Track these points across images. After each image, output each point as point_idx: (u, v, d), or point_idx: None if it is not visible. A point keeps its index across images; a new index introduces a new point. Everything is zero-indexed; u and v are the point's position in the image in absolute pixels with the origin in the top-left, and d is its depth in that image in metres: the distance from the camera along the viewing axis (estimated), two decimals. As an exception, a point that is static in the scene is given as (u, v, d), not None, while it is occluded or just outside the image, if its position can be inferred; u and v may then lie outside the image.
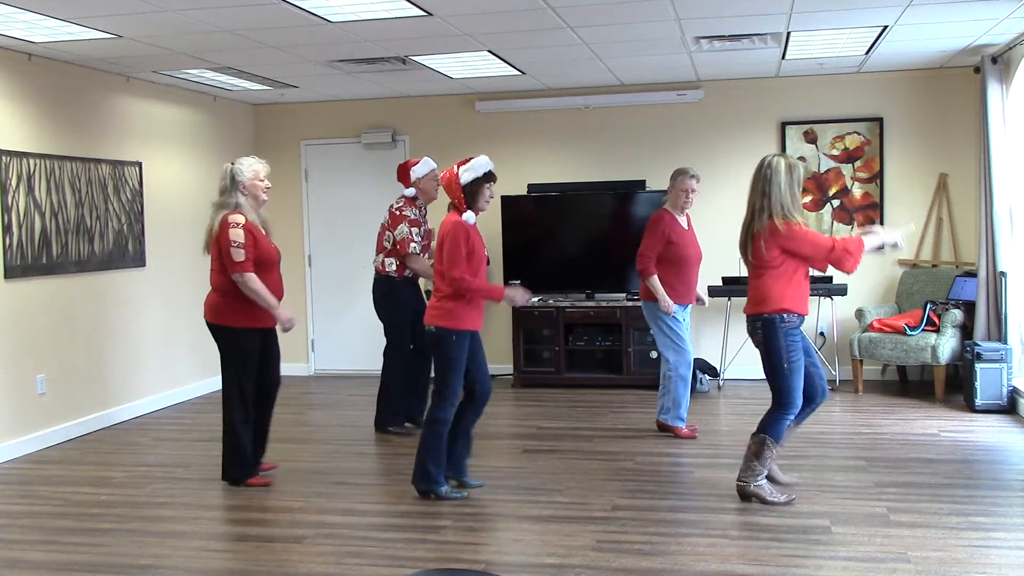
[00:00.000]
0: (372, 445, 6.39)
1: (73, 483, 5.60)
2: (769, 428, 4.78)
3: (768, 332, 4.68)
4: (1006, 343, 6.89)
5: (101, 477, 5.71)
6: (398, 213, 6.43)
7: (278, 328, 5.40)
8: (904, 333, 7.34)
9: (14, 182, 6.22)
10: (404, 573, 3.93)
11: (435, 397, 5.03)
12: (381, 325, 6.62)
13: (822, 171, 8.19)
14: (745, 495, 4.84)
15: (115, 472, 5.82)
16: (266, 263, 5.23)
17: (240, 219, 5.15)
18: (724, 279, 7.87)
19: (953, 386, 7.35)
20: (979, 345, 6.87)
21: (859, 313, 7.79)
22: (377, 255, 6.53)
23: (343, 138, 9.03)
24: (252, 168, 5.27)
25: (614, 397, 7.72)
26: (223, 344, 5.33)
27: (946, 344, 7.18)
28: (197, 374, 8.26)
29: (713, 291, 7.83)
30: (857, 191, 8.13)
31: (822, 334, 8.22)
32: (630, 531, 4.47)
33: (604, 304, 8.14)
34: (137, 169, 7.49)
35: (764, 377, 4.83)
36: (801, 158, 8.21)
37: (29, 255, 6.33)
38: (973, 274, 7.34)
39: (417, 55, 6.80)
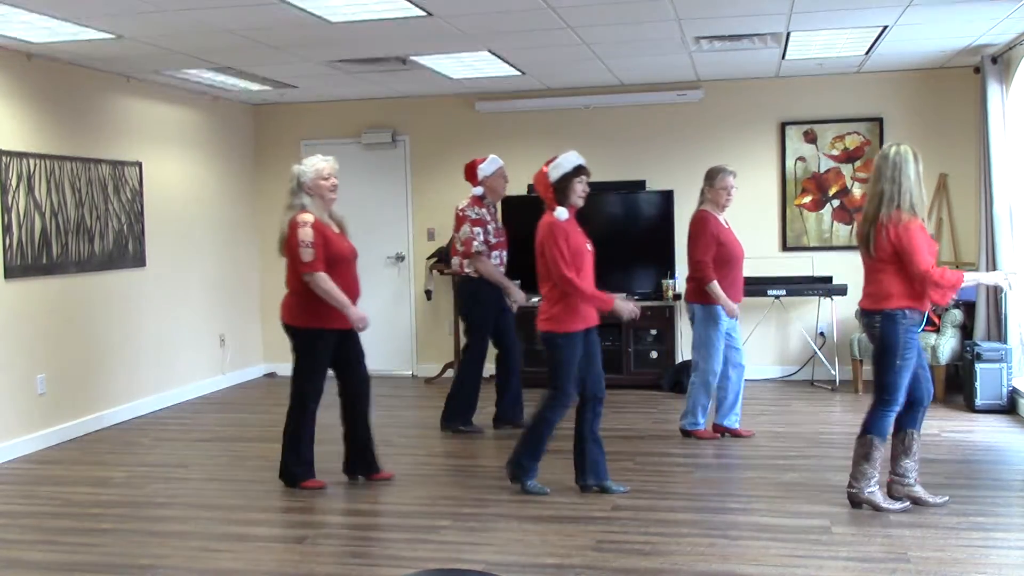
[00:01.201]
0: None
1: (73, 483, 5.60)
2: (873, 427, 4.60)
3: (888, 327, 4.52)
4: (1006, 343, 6.89)
5: (101, 477, 5.71)
6: (461, 214, 6.37)
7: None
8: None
9: (14, 182, 6.22)
10: (404, 573, 3.93)
11: (547, 397, 5.03)
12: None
13: (822, 171, 8.19)
14: (856, 502, 4.66)
15: (115, 472, 5.82)
16: (339, 261, 5.12)
17: (308, 218, 5.07)
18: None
19: (953, 386, 7.35)
20: (979, 345, 6.87)
21: (859, 313, 7.78)
22: (453, 258, 6.49)
23: (343, 138, 9.02)
24: (315, 167, 5.16)
25: (614, 397, 7.68)
26: (297, 344, 5.24)
27: (946, 344, 7.18)
28: (197, 374, 8.27)
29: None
30: (857, 191, 8.12)
31: (822, 334, 8.22)
32: (630, 531, 4.47)
33: (604, 304, 8.13)
34: (137, 169, 7.49)
35: (873, 374, 4.71)
36: (800, 158, 8.23)
37: (29, 255, 6.33)
38: (973, 274, 7.34)
39: (417, 55, 6.80)
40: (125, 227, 7.33)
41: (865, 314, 4.70)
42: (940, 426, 6.43)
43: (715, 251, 5.93)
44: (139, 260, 7.50)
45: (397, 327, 9.07)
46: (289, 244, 5.09)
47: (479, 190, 6.40)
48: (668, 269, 8.12)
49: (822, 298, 8.05)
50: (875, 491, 4.63)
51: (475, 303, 6.43)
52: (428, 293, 8.71)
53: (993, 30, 6.35)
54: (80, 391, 6.85)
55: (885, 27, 6.20)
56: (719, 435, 6.21)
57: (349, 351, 5.34)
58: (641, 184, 8.31)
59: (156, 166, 7.74)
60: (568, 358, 4.93)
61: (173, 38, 6.06)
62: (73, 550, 4.42)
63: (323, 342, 5.18)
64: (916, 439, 4.70)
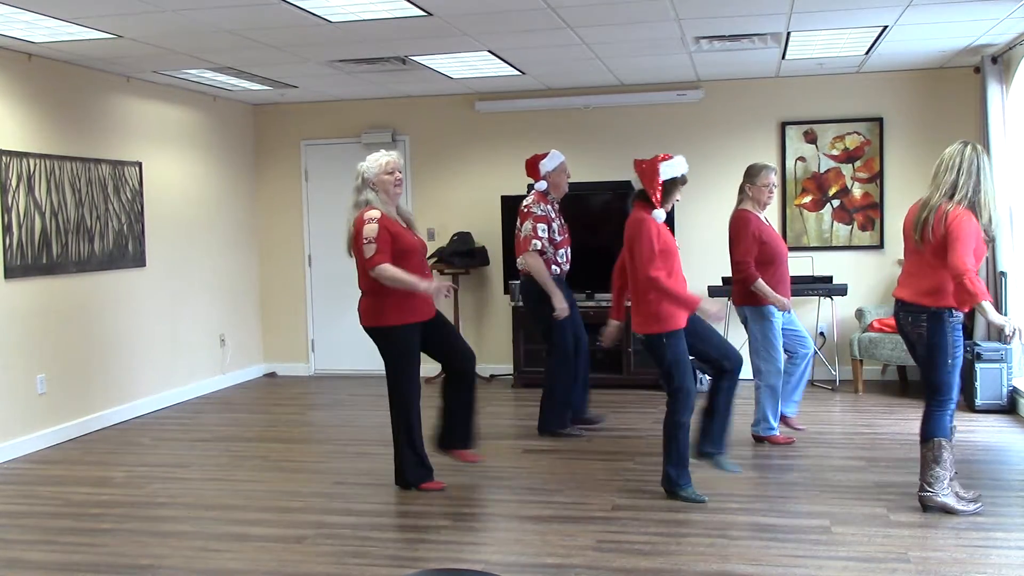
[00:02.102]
0: (372, 445, 6.39)
1: (73, 483, 5.60)
2: (936, 429, 4.52)
3: (935, 326, 4.46)
4: (1006, 343, 6.89)
5: (101, 477, 5.71)
6: (525, 211, 6.26)
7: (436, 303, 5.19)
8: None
9: (14, 182, 6.22)
10: (404, 573, 3.93)
11: (669, 401, 4.92)
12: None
13: (822, 171, 8.19)
14: (930, 506, 4.57)
15: (115, 472, 5.82)
16: (408, 256, 5.02)
17: (374, 214, 4.98)
18: (724, 279, 7.86)
19: (953, 386, 7.35)
20: (979, 345, 6.87)
21: (859, 313, 7.79)
22: (519, 257, 6.32)
23: (343, 138, 9.02)
24: (378, 162, 5.08)
25: (614, 397, 7.71)
26: (383, 345, 5.14)
27: (946, 344, 7.17)
28: (197, 374, 8.27)
29: (713, 291, 7.84)
30: (857, 191, 8.13)
31: (822, 334, 8.22)
32: (630, 531, 4.47)
33: (604, 304, 8.13)
34: (137, 169, 7.49)
35: (921, 372, 4.66)
36: (800, 158, 8.23)
37: (29, 255, 6.33)
38: (973, 274, 7.33)
39: (417, 55, 6.80)
40: (125, 227, 7.33)
41: (907, 308, 4.57)
42: (940, 426, 6.43)
43: (758, 250, 5.78)
44: (139, 260, 7.50)
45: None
46: (356, 243, 5.00)
47: (543, 185, 6.29)
48: (668, 269, 8.11)
49: (822, 298, 8.05)
50: (949, 494, 4.56)
51: (545, 302, 6.24)
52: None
53: (993, 30, 6.35)
54: (80, 391, 6.85)
55: (885, 27, 6.20)
56: (792, 439, 6.04)
57: (441, 333, 5.24)
58: (641, 184, 8.30)
59: (156, 166, 7.74)
60: (677, 356, 4.83)
61: (173, 38, 6.07)
62: (73, 550, 4.42)
63: (409, 338, 5.09)
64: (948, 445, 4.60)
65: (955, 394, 4.55)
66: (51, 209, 6.53)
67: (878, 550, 4.13)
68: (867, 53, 7.09)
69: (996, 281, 7.04)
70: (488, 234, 8.57)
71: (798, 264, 8.20)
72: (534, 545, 4.34)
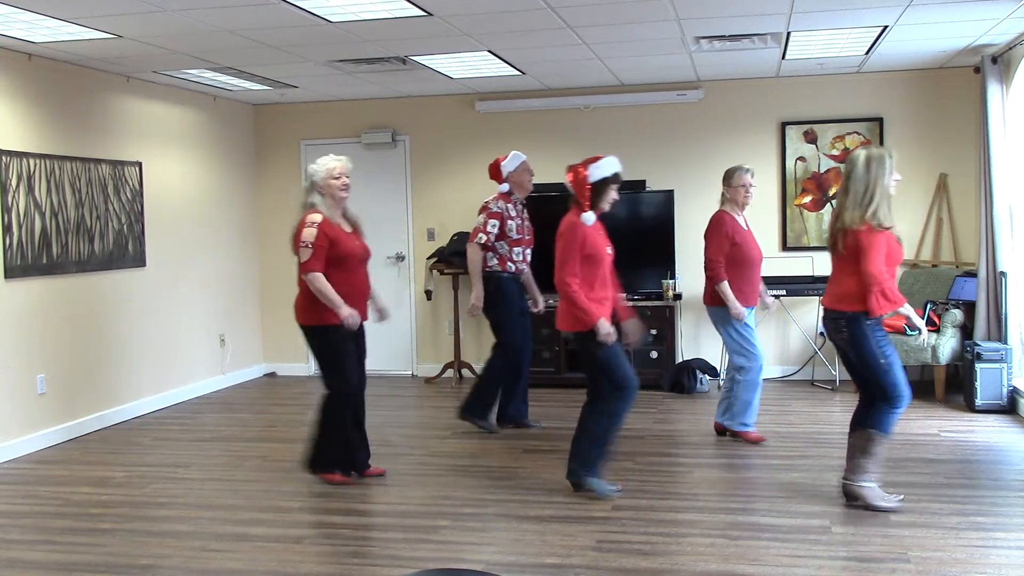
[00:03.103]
0: (372, 445, 6.37)
1: (73, 483, 5.60)
2: (878, 423, 4.58)
3: (855, 331, 4.55)
4: (1006, 343, 6.89)
5: (101, 477, 5.71)
6: (484, 205, 6.39)
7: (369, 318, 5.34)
8: (904, 333, 7.33)
9: (14, 182, 6.22)
10: (404, 573, 3.93)
11: (613, 397, 4.98)
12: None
13: (822, 171, 8.20)
14: (851, 495, 4.67)
15: (115, 472, 5.82)
16: (346, 261, 5.13)
17: (316, 218, 5.08)
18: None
19: (953, 386, 7.35)
20: (979, 345, 6.87)
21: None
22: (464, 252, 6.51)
23: (343, 138, 9.02)
24: (326, 167, 5.17)
25: (614, 397, 7.70)
26: (316, 344, 5.24)
27: (946, 344, 7.18)
28: (197, 374, 8.27)
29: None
30: (857, 191, 8.11)
31: (822, 334, 8.21)
32: (630, 531, 4.47)
33: (604, 304, 8.13)
34: (137, 169, 7.49)
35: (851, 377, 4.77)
36: (800, 158, 8.23)
37: (29, 255, 6.33)
38: (973, 274, 7.34)
39: (417, 55, 6.80)
40: (125, 227, 7.33)
41: (829, 314, 4.73)
42: (940, 426, 6.44)
43: (730, 250, 5.87)
44: (139, 260, 7.50)
45: (397, 327, 9.06)
46: (295, 244, 5.11)
47: (505, 186, 6.39)
48: (668, 269, 8.12)
49: (822, 298, 8.03)
50: (873, 487, 4.64)
51: (496, 299, 6.35)
52: (428, 293, 8.71)
53: (993, 30, 6.35)
54: (80, 391, 6.85)
55: (885, 27, 6.20)
56: (764, 438, 6.08)
57: (358, 347, 5.35)
58: (641, 184, 8.31)
59: (156, 166, 7.74)
60: (613, 350, 4.89)
61: (173, 38, 6.07)
62: (73, 550, 4.42)
63: (338, 335, 5.16)
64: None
65: (905, 391, 4.60)
66: (51, 209, 6.53)
67: (878, 550, 4.13)
68: (867, 53, 7.09)
69: (996, 281, 7.04)
70: (488, 234, 8.57)
71: (798, 264, 8.21)
72: (534, 545, 4.34)
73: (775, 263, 8.15)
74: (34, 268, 6.38)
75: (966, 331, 7.32)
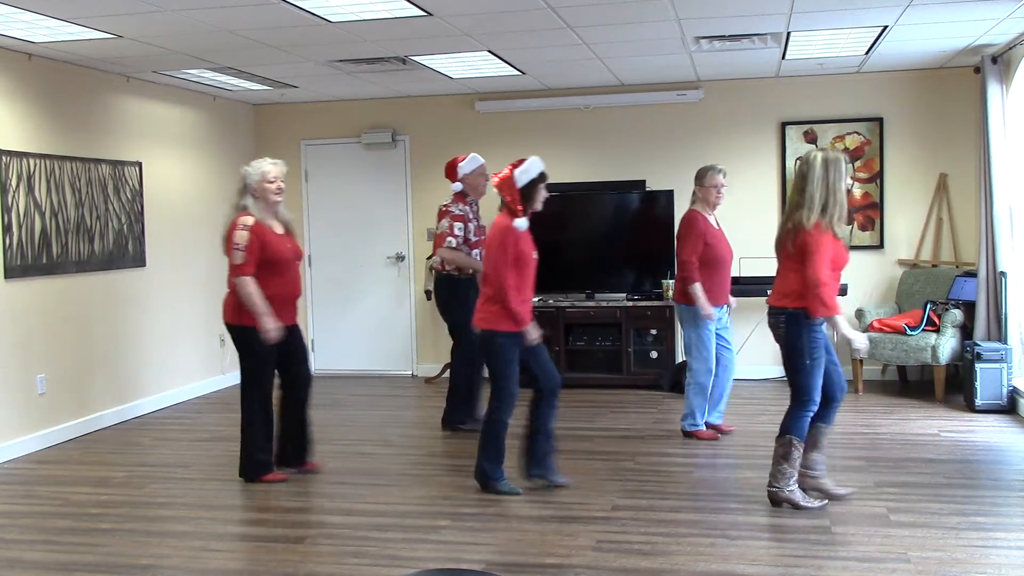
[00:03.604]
0: (373, 445, 6.39)
1: (73, 483, 5.60)
2: (793, 428, 4.67)
3: (791, 328, 4.62)
4: (1006, 343, 6.89)
5: (101, 477, 5.71)
6: (444, 209, 6.45)
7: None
8: (904, 333, 7.34)
9: (14, 182, 6.22)
10: (404, 573, 3.93)
11: (492, 399, 5.10)
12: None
13: (822, 171, 8.18)
14: (776, 501, 4.73)
15: (115, 472, 5.82)
16: (277, 264, 5.22)
17: (248, 221, 5.17)
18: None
19: (953, 386, 7.35)
20: (979, 345, 6.87)
21: (859, 313, 7.79)
22: (435, 256, 6.53)
23: (343, 138, 9.03)
24: (259, 170, 5.27)
25: (614, 397, 7.71)
26: (239, 344, 5.33)
27: (946, 344, 7.18)
28: (197, 374, 8.27)
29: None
30: (857, 191, 8.12)
31: (822, 334, 8.21)
32: (630, 531, 4.47)
33: (604, 304, 8.14)
34: (137, 169, 7.49)
35: (784, 374, 4.83)
36: (801, 158, 8.22)
37: (29, 255, 6.33)
38: (973, 274, 7.34)
39: (417, 55, 6.80)
40: (125, 227, 7.33)
41: (771, 310, 4.78)
42: (940, 426, 6.44)
43: (702, 251, 5.98)
44: (139, 260, 7.50)
45: (397, 327, 9.07)
46: (227, 245, 5.22)
47: (458, 186, 6.48)
48: (668, 269, 8.12)
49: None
50: (794, 490, 4.71)
51: (455, 301, 6.46)
52: (428, 293, 8.69)
53: (993, 30, 6.35)
54: (80, 391, 6.85)
55: (885, 27, 6.20)
56: (717, 435, 6.22)
57: (292, 349, 5.42)
58: (641, 184, 8.31)
59: (156, 166, 7.74)
60: (509, 357, 5.02)
61: (173, 38, 6.06)
62: (73, 550, 4.42)
63: (261, 338, 5.24)
64: (825, 433, 4.84)
65: (817, 396, 4.67)
66: (51, 209, 6.53)
67: (878, 550, 4.13)
68: (867, 53, 7.09)
69: (996, 281, 7.04)
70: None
71: (798, 264, 8.20)
72: (534, 545, 4.34)
73: (775, 263, 8.14)
74: (34, 268, 6.38)
75: (966, 331, 7.32)
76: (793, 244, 4.62)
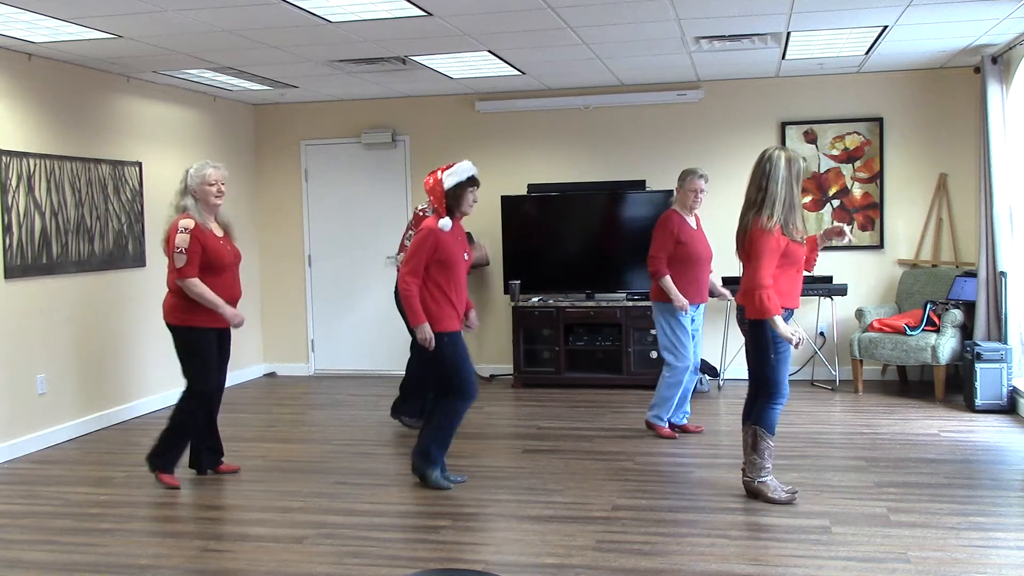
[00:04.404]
0: (373, 445, 6.39)
1: (73, 483, 5.60)
2: (761, 419, 4.80)
3: (755, 324, 4.70)
4: (1006, 343, 6.89)
5: (101, 477, 5.71)
6: (421, 214, 6.41)
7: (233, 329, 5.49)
8: (904, 333, 7.34)
9: (14, 182, 6.22)
10: (404, 573, 3.93)
11: (453, 396, 5.16)
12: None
13: (822, 171, 8.20)
14: (751, 491, 4.86)
15: (115, 472, 5.82)
16: (216, 267, 5.28)
17: (188, 224, 5.24)
18: (724, 279, 7.84)
19: (953, 386, 7.35)
20: (979, 345, 6.87)
21: (859, 313, 7.79)
22: (399, 254, 6.55)
23: (343, 138, 9.03)
24: (201, 173, 5.35)
25: (614, 397, 7.72)
26: (180, 344, 5.38)
27: (946, 344, 7.18)
28: (197, 374, 8.26)
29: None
30: (857, 191, 8.13)
31: (822, 334, 8.22)
32: (630, 531, 4.47)
33: (604, 304, 8.14)
34: (137, 169, 7.49)
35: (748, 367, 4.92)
36: (800, 158, 8.22)
37: (29, 255, 6.33)
38: (973, 274, 7.34)
39: (417, 55, 6.80)
40: (125, 227, 7.33)
41: (738, 308, 4.87)
42: (940, 426, 6.44)
43: (674, 249, 6.09)
44: (139, 260, 7.50)
45: (396, 327, 9.03)
46: (168, 247, 5.25)
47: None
48: (668, 269, 8.12)
49: (822, 298, 8.05)
50: (766, 481, 4.81)
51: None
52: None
53: (993, 30, 6.35)
54: (80, 391, 6.85)
55: (885, 27, 6.20)
56: (676, 435, 6.29)
57: (221, 352, 5.50)
58: (641, 184, 8.31)
59: (156, 166, 7.74)
60: (456, 352, 5.08)
61: (173, 38, 6.07)
62: (73, 550, 4.42)
63: (203, 340, 5.32)
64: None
65: (785, 389, 4.78)
66: (51, 209, 6.53)
67: (878, 550, 4.13)
68: (867, 53, 7.09)
69: (996, 281, 7.04)
70: (488, 234, 8.56)
71: (798, 264, 8.21)
72: (534, 545, 4.34)
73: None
74: (34, 268, 6.38)
75: (966, 331, 7.32)
76: (748, 242, 4.69)
